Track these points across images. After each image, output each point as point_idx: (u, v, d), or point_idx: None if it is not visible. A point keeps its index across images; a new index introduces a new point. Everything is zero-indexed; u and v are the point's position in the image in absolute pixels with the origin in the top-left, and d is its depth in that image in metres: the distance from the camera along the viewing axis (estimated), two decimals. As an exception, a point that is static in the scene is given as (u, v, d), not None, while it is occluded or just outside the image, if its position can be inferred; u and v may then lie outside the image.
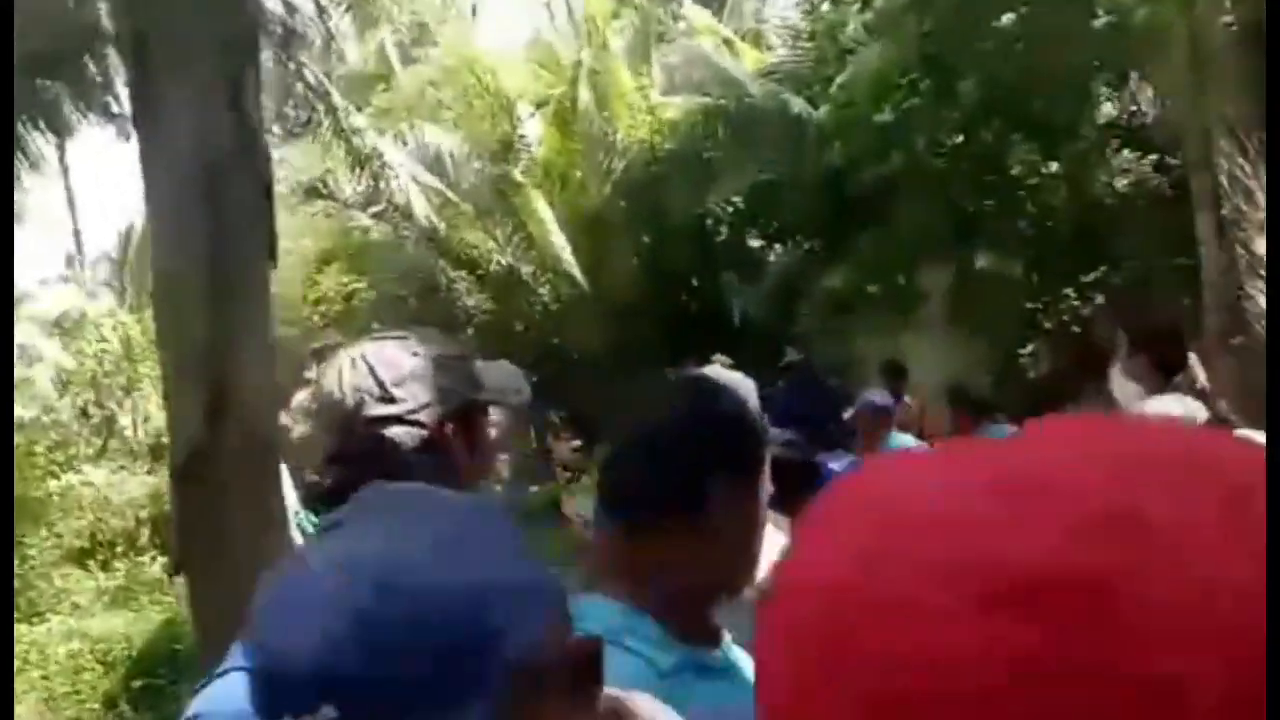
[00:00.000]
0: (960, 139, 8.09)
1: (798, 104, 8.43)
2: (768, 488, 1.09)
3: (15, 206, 9.16)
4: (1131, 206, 8.17)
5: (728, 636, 1.10)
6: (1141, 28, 5.92)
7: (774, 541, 1.46)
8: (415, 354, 1.20)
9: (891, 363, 6.37)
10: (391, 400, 1.16)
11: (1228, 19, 5.45)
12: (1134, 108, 8.77)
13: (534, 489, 6.97)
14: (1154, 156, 8.00)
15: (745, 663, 1.07)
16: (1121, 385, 5.01)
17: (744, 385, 1.90)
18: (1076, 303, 8.15)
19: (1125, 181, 8.40)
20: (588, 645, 0.62)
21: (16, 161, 8.16)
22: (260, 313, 3.21)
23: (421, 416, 1.16)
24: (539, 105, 9.21)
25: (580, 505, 6.35)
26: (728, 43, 9.36)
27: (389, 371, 1.18)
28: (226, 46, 3.10)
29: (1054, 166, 8.36)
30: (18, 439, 9.00)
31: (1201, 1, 5.47)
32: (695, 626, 1.04)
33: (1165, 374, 4.61)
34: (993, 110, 7.73)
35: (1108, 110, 8.70)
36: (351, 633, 0.52)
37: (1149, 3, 5.66)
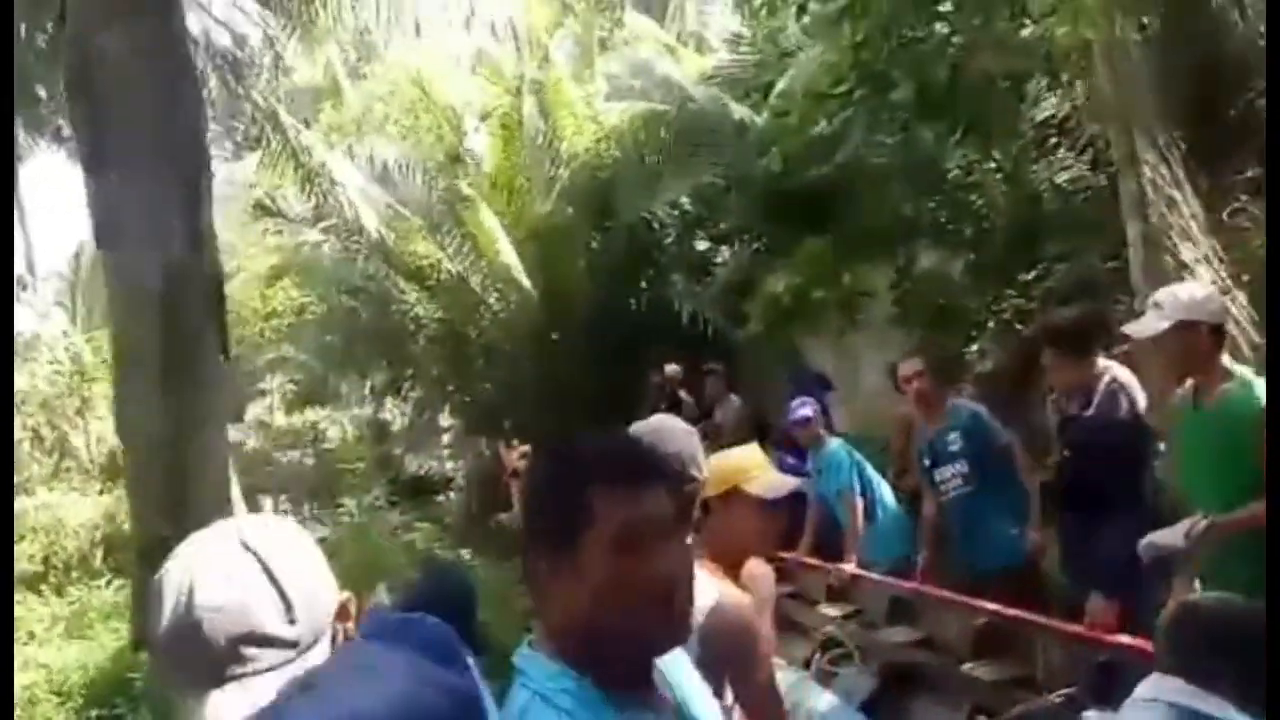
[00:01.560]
0: (898, 139, 8.22)
1: (740, 109, 8.55)
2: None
3: (13, 252, 9.09)
4: (1069, 204, 8.34)
5: (678, 693, 1.08)
6: (1066, 36, 6.07)
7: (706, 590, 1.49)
8: None
9: (818, 375, 6.57)
10: None
11: (1142, 30, 5.61)
12: (1070, 104, 8.93)
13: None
14: (1090, 153, 8.14)
15: None
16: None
17: (675, 438, 1.84)
18: (1019, 300, 8.31)
19: (1064, 178, 8.56)
20: None
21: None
22: (215, 406, 3.35)
23: None
24: (484, 117, 9.27)
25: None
26: (670, 48, 9.47)
27: None
28: (178, 158, 3.25)
29: (991, 165, 8.51)
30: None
31: (1118, 12, 5.62)
32: (622, 683, 1.00)
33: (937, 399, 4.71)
34: (929, 111, 7.86)
35: (1046, 107, 8.85)
36: None
37: (1068, 16, 5.80)
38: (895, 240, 8.30)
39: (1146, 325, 2.68)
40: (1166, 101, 5.88)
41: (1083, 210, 8.03)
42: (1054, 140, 8.55)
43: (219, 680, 0.86)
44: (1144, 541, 2.64)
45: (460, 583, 1.65)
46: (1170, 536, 2.57)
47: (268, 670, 0.87)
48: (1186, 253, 5.58)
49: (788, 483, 2.00)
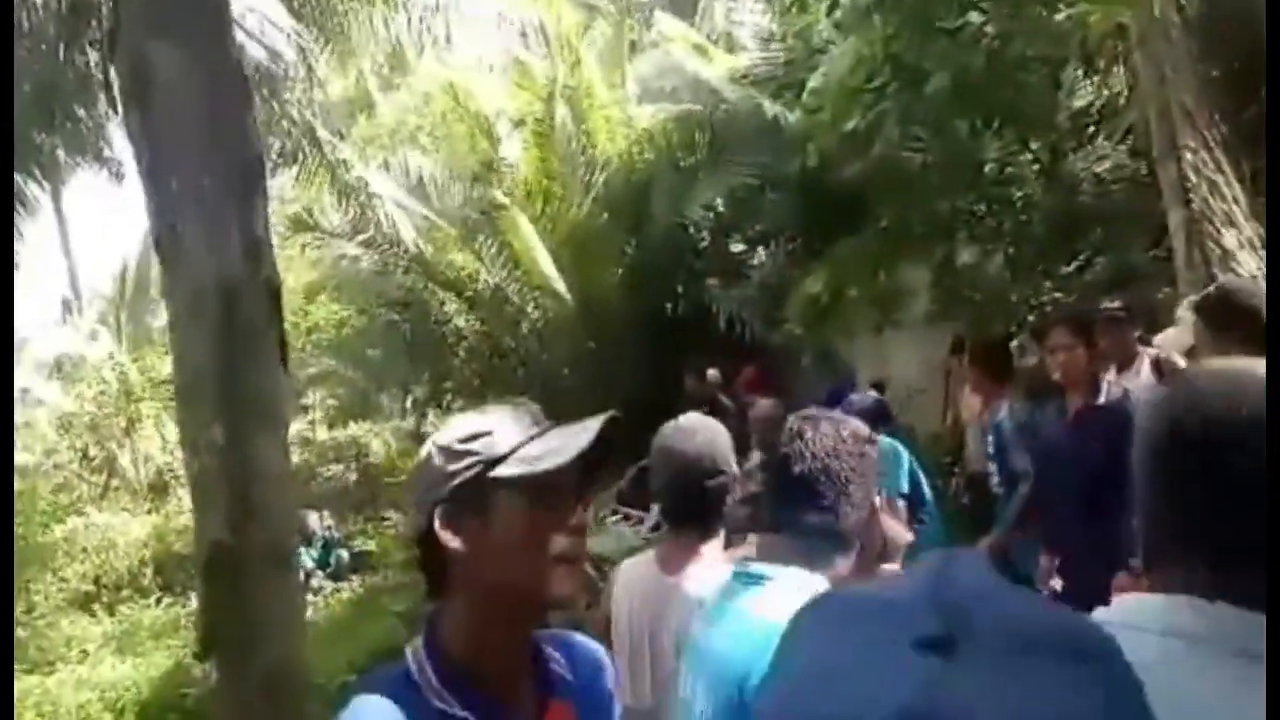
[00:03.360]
0: (933, 133, 8.11)
1: (773, 108, 8.49)
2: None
3: (13, 252, 9.27)
4: (1109, 194, 8.19)
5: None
6: (1100, 22, 5.96)
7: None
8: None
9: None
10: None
11: (1180, 12, 5.48)
12: (1108, 92, 8.77)
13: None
14: (1129, 142, 7.99)
15: None
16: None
17: (700, 435, 1.94)
18: (1058, 294, 8.17)
19: (1103, 168, 8.41)
20: None
21: (14, 211, 8.31)
22: (276, 416, 3.39)
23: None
24: (517, 124, 9.29)
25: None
26: (700, 49, 9.42)
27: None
28: (238, 173, 3.30)
29: (1028, 157, 8.38)
30: (21, 484, 9.13)
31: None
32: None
33: (995, 381, 4.61)
34: (963, 104, 7.76)
35: (1083, 96, 8.70)
36: None
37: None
38: (932, 236, 8.19)
39: None
40: (1207, 84, 5.74)
41: (1122, 200, 7.89)
42: (1091, 130, 8.41)
43: None
44: None
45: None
46: None
47: None
48: (1229, 238, 5.44)
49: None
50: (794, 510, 1.43)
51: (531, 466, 1.08)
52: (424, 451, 1.13)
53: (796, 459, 1.42)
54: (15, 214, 8.44)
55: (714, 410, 6.78)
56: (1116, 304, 4.23)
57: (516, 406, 1.17)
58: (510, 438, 1.10)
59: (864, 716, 0.45)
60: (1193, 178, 5.63)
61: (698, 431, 1.97)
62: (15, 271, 9.77)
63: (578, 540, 1.10)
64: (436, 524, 1.07)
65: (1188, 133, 5.58)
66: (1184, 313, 2.71)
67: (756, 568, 1.45)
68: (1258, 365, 0.87)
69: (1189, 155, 5.62)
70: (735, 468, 2.01)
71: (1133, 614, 0.83)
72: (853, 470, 1.42)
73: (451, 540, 1.07)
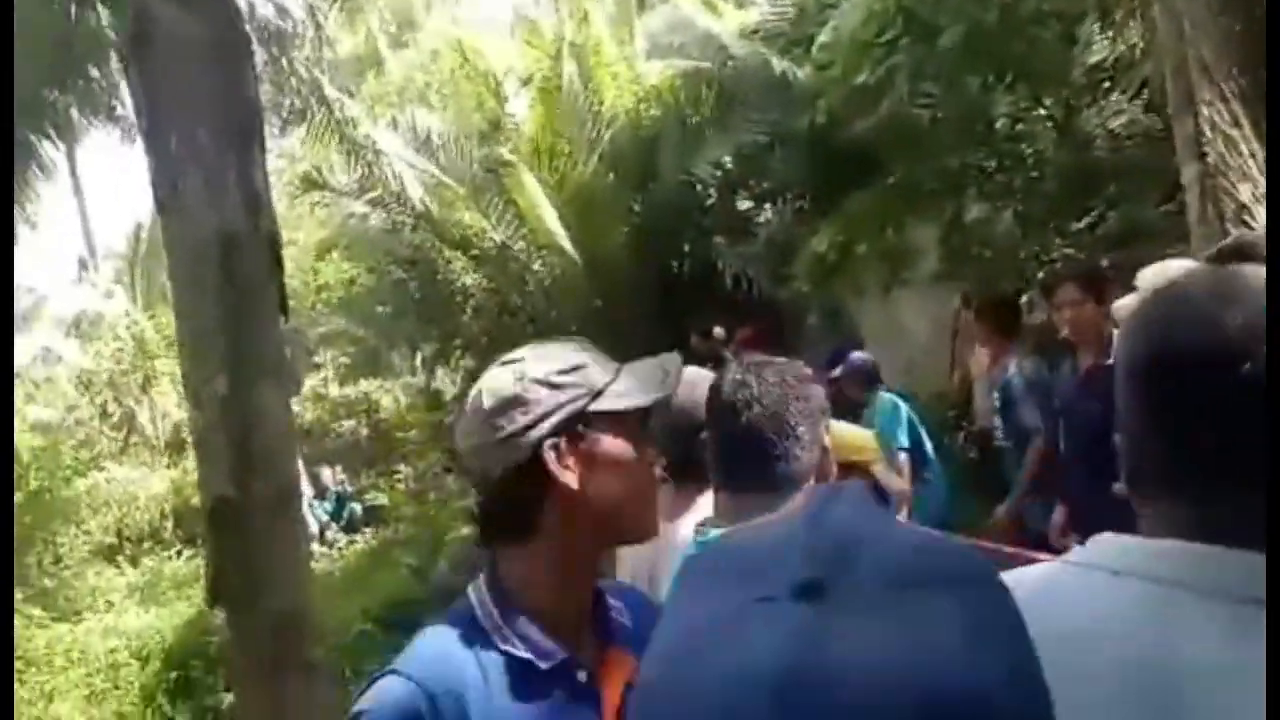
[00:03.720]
0: (944, 89, 8.01)
1: (781, 64, 8.39)
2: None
3: (30, 214, 9.38)
4: (1122, 150, 8.08)
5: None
6: (1115, -28, 5.84)
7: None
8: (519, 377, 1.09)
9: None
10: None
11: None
12: (1123, 46, 8.61)
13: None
14: (1145, 97, 7.86)
15: None
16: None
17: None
18: (1070, 249, 8.11)
19: (1117, 123, 8.29)
20: None
21: (30, 171, 8.40)
22: (277, 368, 3.47)
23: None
24: (524, 82, 9.24)
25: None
26: (709, 4, 9.31)
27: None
28: (236, 128, 3.34)
29: (1041, 113, 8.27)
30: (42, 440, 9.33)
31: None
32: None
33: (1004, 336, 4.60)
34: (976, 59, 7.64)
35: (1098, 50, 8.55)
36: None
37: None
38: (942, 193, 8.13)
39: None
40: (1227, 38, 5.62)
41: (1135, 155, 7.78)
42: (1106, 85, 8.27)
43: None
44: None
45: None
46: None
47: None
48: (1245, 192, 5.37)
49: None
50: (745, 463, 1.43)
51: (630, 400, 1.08)
52: (506, 387, 1.07)
53: (744, 408, 1.42)
54: (32, 174, 8.52)
55: (719, 368, 6.83)
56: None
57: (580, 343, 1.16)
58: (600, 372, 1.10)
59: (738, 689, 0.42)
60: (1208, 132, 5.54)
61: (696, 384, 1.95)
62: (33, 231, 9.86)
63: (658, 474, 1.14)
64: (548, 456, 1.04)
65: (1205, 87, 5.49)
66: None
67: (714, 531, 1.45)
68: (1253, 270, 0.71)
69: (1205, 109, 5.54)
70: None
71: (1110, 558, 0.72)
72: (800, 413, 1.42)
73: (563, 473, 1.05)
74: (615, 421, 1.08)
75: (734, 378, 1.47)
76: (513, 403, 1.06)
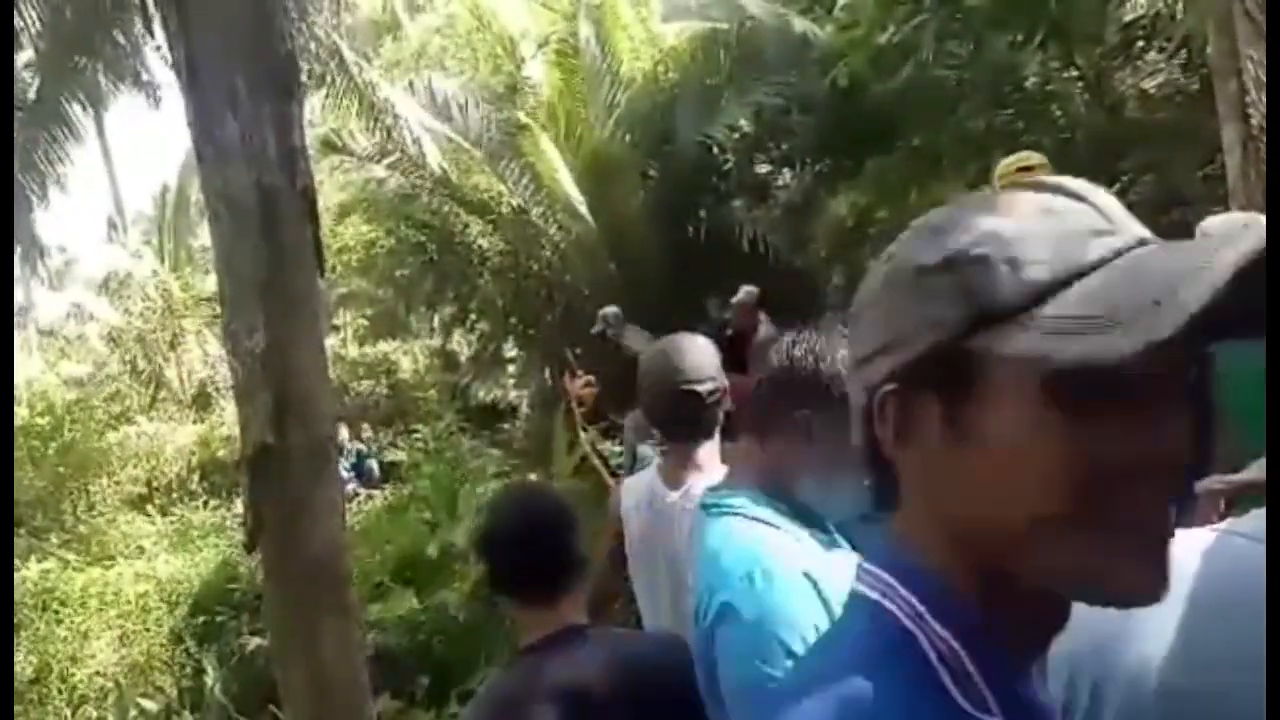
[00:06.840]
0: (972, 49, 7.82)
1: (802, 23, 8.25)
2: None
3: (60, 176, 9.56)
4: (1157, 111, 7.86)
5: None
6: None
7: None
8: None
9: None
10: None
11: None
12: (1161, 3, 8.34)
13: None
14: (1183, 55, 7.61)
15: None
16: None
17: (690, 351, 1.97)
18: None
19: (1153, 83, 8.05)
20: None
21: (60, 134, 8.55)
22: (313, 320, 3.55)
23: None
24: (541, 45, 9.19)
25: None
26: (727, -36, 9.14)
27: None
28: (272, 81, 3.38)
29: (1074, 73, 8.05)
30: (76, 395, 9.61)
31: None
32: None
33: None
34: (1005, 16, 7.44)
35: (1134, 7, 8.28)
36: None
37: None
38: (967, 156, 7.98)
39: None
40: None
41: (1170, 117, 7.56)
42: (1142, 43, 8.02)
43: None
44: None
45: (558, 503, 1.72)
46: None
47: None
48: (1289, 154, 5.20)
49: None
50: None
51: None
52: None
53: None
54: (62, 138, 8.66)
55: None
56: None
57: None
58: None
59: None
60: (1254, 91, 5.35)
61: (683, 346, 1.99)
62: (63, 194, 10.06)
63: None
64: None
65: (1253, 42, 5.29)
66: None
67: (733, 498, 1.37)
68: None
69: (1250, 66, 5.34)
70: (724, 378, 2.00)
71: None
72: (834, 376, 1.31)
73: None
74: None
75: (780, 349, 1.40)
76: None
